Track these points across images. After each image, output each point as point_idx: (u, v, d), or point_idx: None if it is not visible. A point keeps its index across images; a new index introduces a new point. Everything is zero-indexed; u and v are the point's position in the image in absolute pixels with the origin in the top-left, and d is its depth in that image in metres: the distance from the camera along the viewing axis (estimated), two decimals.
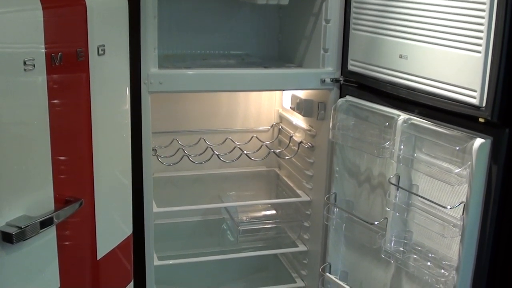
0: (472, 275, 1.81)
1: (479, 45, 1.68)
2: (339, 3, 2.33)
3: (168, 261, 2.52)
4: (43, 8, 1.40)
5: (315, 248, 2.63)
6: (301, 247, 2.73)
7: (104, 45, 1.65)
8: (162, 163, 2.62)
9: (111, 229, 1.83)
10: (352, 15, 2.25)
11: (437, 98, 1.86)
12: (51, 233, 1.51)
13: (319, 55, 2.41)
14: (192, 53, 2.79)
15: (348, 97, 2.30)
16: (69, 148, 1.57)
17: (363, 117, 2.21)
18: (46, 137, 1.46)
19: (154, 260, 2.39)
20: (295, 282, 2.79)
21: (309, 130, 2.62)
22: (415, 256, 2.00)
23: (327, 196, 2.43)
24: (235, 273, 2.98)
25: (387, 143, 2.06)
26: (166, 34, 2.65)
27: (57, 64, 1.46)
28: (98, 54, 1.63)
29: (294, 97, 2.69)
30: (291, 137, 2.77)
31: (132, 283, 1.99)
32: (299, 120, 2.74)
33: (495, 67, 1.65)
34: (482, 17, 1.66)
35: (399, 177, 2.04)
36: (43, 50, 1.41)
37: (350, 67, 2.30)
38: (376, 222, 2.13)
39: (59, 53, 1.46)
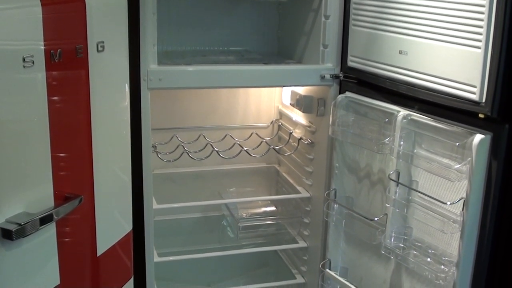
0: (472, 271, 1.81)
1: (479, 40, 1.68)
2: None
3: (168, 257, 2.53)
4: (42, 5, 1.40)
5: (315, 244, 2.63)
6: (301, 243, 2.73)
7: (103, 42, 1.64)
8: (162, 160, 2.63)
9: (111, 225, 1.83)
10: (352, 11, 2.25)
11: (437, 94, 1.86)
12: (50, 229, 1.51)
13: (318, 51, 2.41)
14: (192, 49, 2.79)
15: (347, 93, 2.30)
16: (69, 144, 1.57)
17: (363, 113, 2.21)
18: (45, 133, 1.46)
19: (154, 257, 2.39)
20: (295, 278, 2.79)
21: (309, 126, 2.62)
22: (415, 252, 2.00)
23: (327, 192, 2.43)
24: (235, 269, 2.99)
25: (387, 139, 2.06)
26: (165, 30, 2.64)
27: (56, 60, 1.46)
28: (98, 50, 1.63)
29: (293, 93, 2.69)
30: (291, 133, 2.77)
31: (132, 280, 1.99)
32: (298, 116, 2.74)
33: (495, 62, 1.65)
34: (482, 13, 1.66)
35: (399, 173, 2.04)
36: (42, 47, 1.41)
37: (350, 63, 2.29)
38: (376, 218, 2.13)
39: (58, 50, 1.46)
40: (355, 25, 2.25)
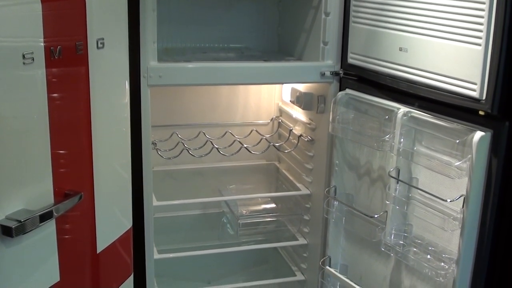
0: (472, 268, 1.81)
1: (479, 38, 1.68)
2: None
3: (168, 254, 2.53)
4: (42, 1, 1.40)
5: (315, 241, 2.63)
6: (301, 241, 2.74)
7: (103, 39, 1.64)
8: (162, 157, 2.62)
9: (111, 222, 1.83)
10: (352, 8, 2.25)
11: (437, 91, 1.86)
12: (50, 226, 1.51)
13: (318, 48, 2.41)
14: (192, 46, 2.78)
15: (348, 90, 2.30)
16: (69, 141, 1.57)
17: (363, 110, 2.21)
18: (45, 130, 1.45)
19: (154, 254, 2.40)
20: (295, 275, 2.79)
21: (309, 124, 2.62)
22: (415, 249, 2.00)
23: (327, 189, 2.43)
24: (235, 266, 2.99)
25: (387, 136, 2.06)
26: (165, 27, 2.64)
27: (56, 57, 1.45)
28: (97, 47, 1.62)
29: (293, 91, 2.68)
30: (291, 130, 2.76)
31: (132, 277, 2.00)
32: (298, 113, 2.74)
33: (495, 60, 1.64)
34: (482, 10, 1.66)
35: (399, 170, 2.04)
36: (42, 44, 1.41)
37: (350, 60, 2.29)
38: (376, 215, 2.13)
39: (58, 47, 1.46)
40: (355, 22, 2.24)
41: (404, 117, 1.99)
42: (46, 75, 1.43)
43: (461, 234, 1.80)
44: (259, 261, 3.06)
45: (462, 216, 1.79)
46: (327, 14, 2.35)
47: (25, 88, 1.40)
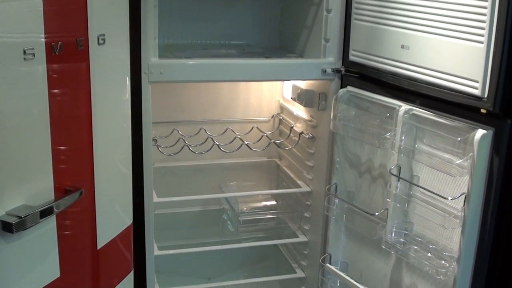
0: (473, 266, 1.81)
1: (481, 35, 1.67)
2: None
3: (168, 251, 2.53)
4: None
5: (315, 238, 2.63)
6: (302, 238, 2.74)
7: (104, 35, 1.64)
8: (163, 153, 2.62)
9: (111, 218, 1.83)
10: (354, 4, 2.24)
11: (438, 88, 1.86)
12: (51, 222, 1.51)
13: (320, 45, 2.41)
14: (193, 42, 2.78)
15: (349, 88, 2.29)
16: (69, 137, 1.57)
17: (364, 107, 2.20)
18: (46, 126, 1.45)
19: (154, 250, 2.40)
20: (295, 272, 2.79)
21: (310, 121, 2.62)
22: (415, 247, 2.00)
23: (327, 186, 2.42)
24: (235, 263, 2.99)
25: (388, 134, 2.06)
26: (166, 23, 2.64)
27: (57, 53, 1.45)
28: (98, 43, 1.62)
29: (295, 88, 2.68)
30: (292, 127, 2.76)
31: (132, 273, 2.00)
32: (300, 110, 2.74)
33: (497, 57, 1.64)
34: (485, 7, 1.65)
35: (400, 168, 2.03)
36: (43, 39, 1.41)
37: (352, 57, 2.29)
38: (376, 213, 2.13)
39: (59, 42, 1.46)
40: (357, 19, 2.24)
41: (406, 115, 1.99)
42: (47, 71, 1.43)
43: (462, 232, 1.80)
44: (259, 258, 3.06)
45: (463, 214, 1.78)
46: (328, 11, 2.35)
47: (26, 84, 1.39)
